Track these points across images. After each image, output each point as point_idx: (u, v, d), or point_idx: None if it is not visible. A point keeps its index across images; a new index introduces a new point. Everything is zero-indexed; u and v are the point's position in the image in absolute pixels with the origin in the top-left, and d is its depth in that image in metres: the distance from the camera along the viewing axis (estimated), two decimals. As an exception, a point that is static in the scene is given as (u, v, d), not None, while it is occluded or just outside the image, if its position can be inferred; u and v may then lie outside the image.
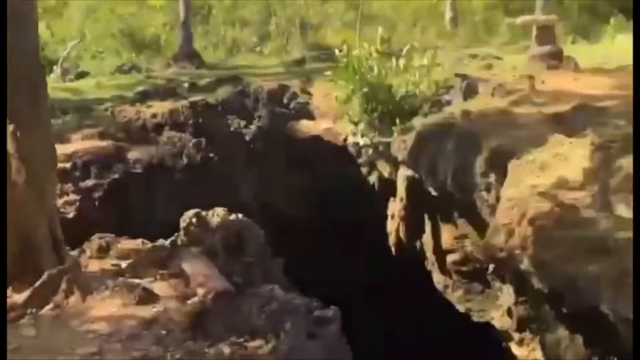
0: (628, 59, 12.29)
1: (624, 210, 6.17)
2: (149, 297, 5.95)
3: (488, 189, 8.64)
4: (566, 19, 14.50)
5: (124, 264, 7.03)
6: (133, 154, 12.13)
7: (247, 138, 12.46)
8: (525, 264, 6.39)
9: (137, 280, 6.40)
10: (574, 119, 8.64)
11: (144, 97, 13.45)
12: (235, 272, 6.38)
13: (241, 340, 5.33)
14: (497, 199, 8.52)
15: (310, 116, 12.40)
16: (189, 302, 5.84)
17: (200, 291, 5.89)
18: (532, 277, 6.35)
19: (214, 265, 6.48)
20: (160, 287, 6.28)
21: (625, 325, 5.07)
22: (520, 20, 13.04)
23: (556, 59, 11.57)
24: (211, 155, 12.51)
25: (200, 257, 6.64)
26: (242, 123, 12.55)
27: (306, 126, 12.18)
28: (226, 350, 5.14)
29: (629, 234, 5.54)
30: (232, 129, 12.59)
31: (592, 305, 5.51)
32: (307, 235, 12.14)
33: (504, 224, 6.95)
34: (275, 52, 16.97)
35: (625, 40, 13.71)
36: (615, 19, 14.37)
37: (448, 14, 16.34)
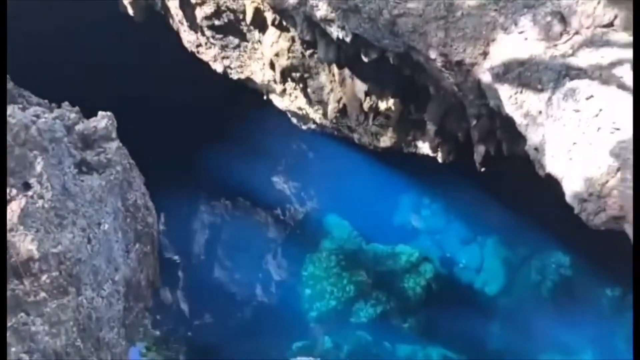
0: None
1: None
2: None
3: None
4: None
5: None
6: None
7: None
8: (322, 10, 5.27)
9: None
10: None
11: None
12: None
13: None
14: None
15: None
16: None
17: None
18: (331, 25, 5.30)
19: None
20: None
21: (457, 69, 4.43)
22: None
23: None
24: None
25: None
26: None
27: None
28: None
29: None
30: None
31: (410, 49, 4.73)
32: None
33: (289, -38, 5.59)
34: None
35: None
36: None
37: None
